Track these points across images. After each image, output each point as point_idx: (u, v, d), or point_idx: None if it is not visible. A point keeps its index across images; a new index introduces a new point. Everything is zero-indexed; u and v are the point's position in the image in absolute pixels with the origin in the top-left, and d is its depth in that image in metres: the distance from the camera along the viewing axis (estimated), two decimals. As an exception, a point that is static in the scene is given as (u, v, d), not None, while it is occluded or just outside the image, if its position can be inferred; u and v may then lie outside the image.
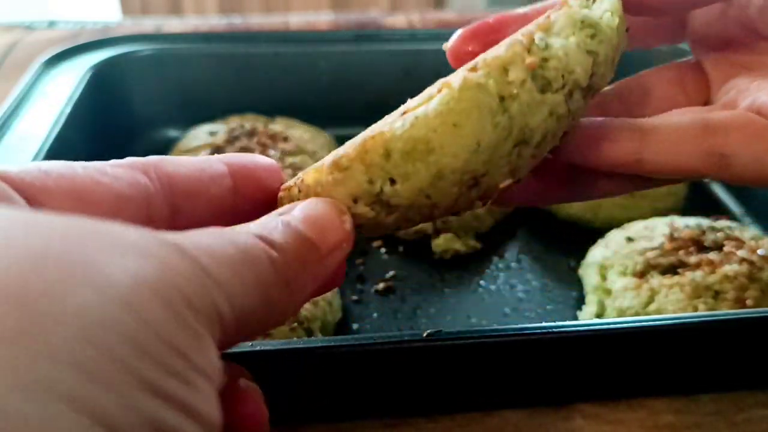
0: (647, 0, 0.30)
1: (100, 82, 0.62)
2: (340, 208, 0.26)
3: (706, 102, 0.35)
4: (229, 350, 0.27)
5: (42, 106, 0.55)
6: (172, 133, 0.67)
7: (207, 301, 0.19)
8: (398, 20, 0.94)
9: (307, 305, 0.44)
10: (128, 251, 0.17)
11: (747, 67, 0.33)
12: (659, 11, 0.31)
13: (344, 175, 0.26)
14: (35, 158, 0.49)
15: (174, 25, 0.91)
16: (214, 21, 1.00)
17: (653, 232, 0.49)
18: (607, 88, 0.34)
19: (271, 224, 0.24)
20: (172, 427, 0.16)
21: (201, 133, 0.64)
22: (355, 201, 0.26)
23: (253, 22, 0.93)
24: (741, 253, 0.45)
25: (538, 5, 0.33)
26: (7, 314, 0.14)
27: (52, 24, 0.89)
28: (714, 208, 0.61)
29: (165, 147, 0.64)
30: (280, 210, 0.25)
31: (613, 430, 0.40)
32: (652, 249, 0.47)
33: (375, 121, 0.29)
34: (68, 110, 0.55)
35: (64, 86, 0.58)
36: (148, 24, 0.93)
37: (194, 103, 0.67)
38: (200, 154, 0.61)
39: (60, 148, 0.52)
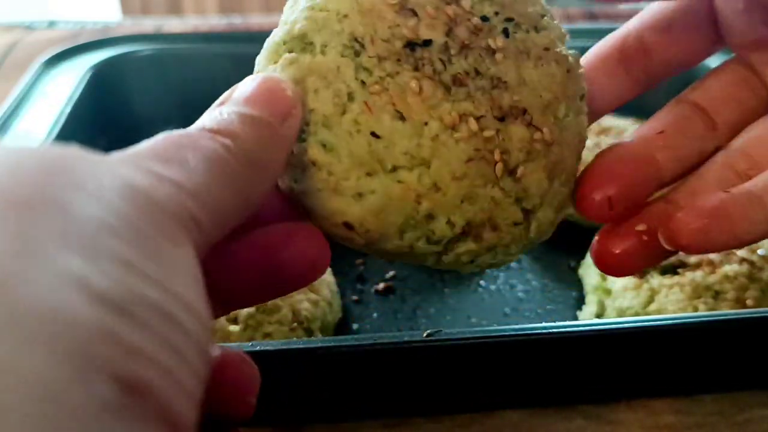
0: None
1: (100, 81, 0.62)
2: (275, 78, 0.26)
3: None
4: (229, 351, 0.27)
5: (42, 106, 0.55)
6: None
7: (179, 208, 0.19)
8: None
9: (307, 305, 0.44)
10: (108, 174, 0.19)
11: None
12: None
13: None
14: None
15: (174, 25, 0.91)
16: (214, 21, 1.00)
17: (653, 232, 0.49)
18: (673, 101, 0.35)
19: (215, 115, 0.24)
20: (155, 301, 0.17)
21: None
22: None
23: (253, 22, 0.93)
24: (741, 253, 0.45)
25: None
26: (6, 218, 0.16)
27: (52, 24, 0.89)
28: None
29: (165, 147, 0.64)
30: (218, 100, 0.26)
31: (614, 431, 0.40)
32: (653, 249, 0.47)
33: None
34: (68, 110, 0.55)
35: (64, 86, 0.58)
36: (148, 24, 0.93)
37: (194, 103, 0.67)
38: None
39: (60, 148, 0.52)
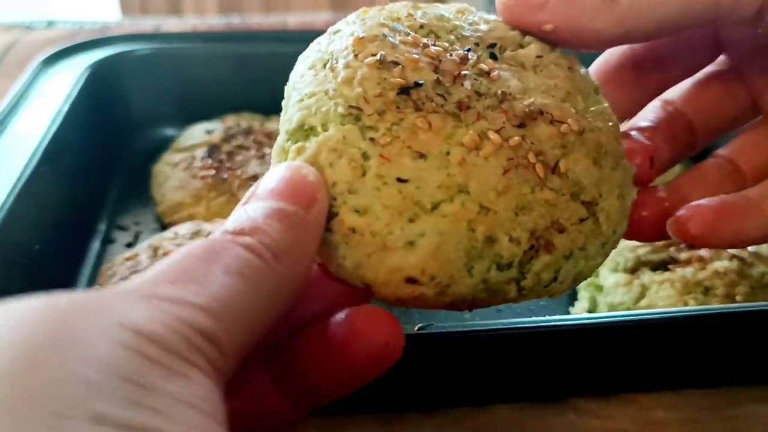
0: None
1: (97, 81, 0.62)
2: (296, 165, 0.26)
3: (753, 105, 0.35)
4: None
5: (40, 105, 0.56)
6: (169, 131, 0.67)
7: (191, 336, 0.19)
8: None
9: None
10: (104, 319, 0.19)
11: None
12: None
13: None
14: (32, 157, 0.49)
15: (172, 24, 0.92)
16: (213, 20, 1.00)
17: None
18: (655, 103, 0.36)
19: (239, 215, 0.24)
20: None
21: (197, 132, 0.64)
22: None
23: (251, 22, 0.94)
24: (731, 249, 0.45)
25: None
26: None
27: (51, 24, 0.90)
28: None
29: (162, 145, 0.65)
30: (243, 199, 0.25)
31: (605, 425, 0.41)
32: (644, 246, 0.47)
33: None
34: (66, 109, 0.56)
35: (62, 85, 0.59)
36: (146, 24, 0.93)
37: (191, 102, 0.68)
38: (196, 152, 0.61)
39: (57, 147, 0.52)
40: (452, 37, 0.31)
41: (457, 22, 0.32)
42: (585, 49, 0.32)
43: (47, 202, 0.50)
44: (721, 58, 0.36)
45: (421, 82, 0.28)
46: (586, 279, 0.30)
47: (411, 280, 0.26)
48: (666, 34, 0.32)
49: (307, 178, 0.25)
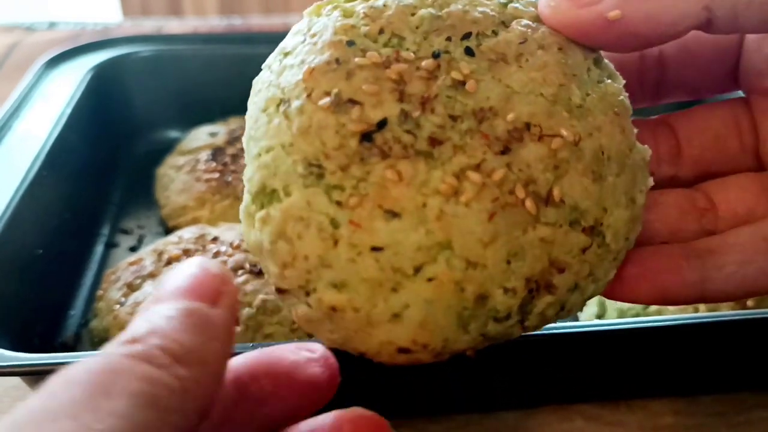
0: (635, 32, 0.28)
1: (100, 83, 0.62)
2: (197, 261, 0.23)
3: (757, 144, 0.33)
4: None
5: (42, 107, 0.55)
6: (173, 134, 0.67)
7: None
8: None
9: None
10: None
11: None
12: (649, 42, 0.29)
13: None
14: (35, 159, 0.49)
15: (174, 26, 0.91)
16: (214, 22, 1.00)
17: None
18: (655, 118, 0.33)
19: (135, 323, 0.21)
20: None
21: (201, 134, 0.64)
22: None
23: (252, 23, 0.94)
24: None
25: None
26: None
27: (52, 25, 0.89)
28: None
29: (165, 148, 0.64)
30: (142, 306, 0.22)
31: (613, 431, 0.40)
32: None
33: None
34: (68, 111, 0.55)
35: (65, 87, 0.58)
36: (148, 25, 0.93)
37: (194, 104, 0.67)
38: (200, 155, 0.61)
39: (60, 149, 0.52)
40: (419, 37, 0.27)
41: (423, 11, 0.27)
42: (657, 40, 0.28)
43: (50, 205, 0.50)
44: (737, 94, 0.34)
45: (385, 121, 0.25)
46: (597, 295, 0.28)
47: (404, 350, 0.25)
48: (754, 22, 0.27)
49: (209, 272, 0.22)
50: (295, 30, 0.29)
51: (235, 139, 0.62)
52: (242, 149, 0.61)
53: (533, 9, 0.29)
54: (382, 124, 0.25)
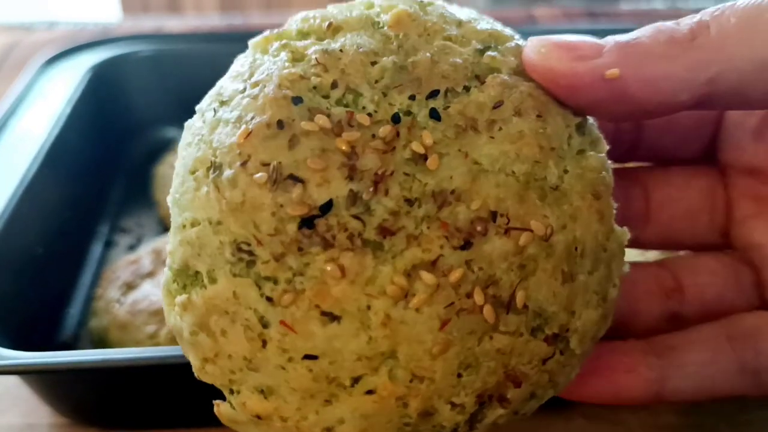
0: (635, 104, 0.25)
1: (99, 82, 0.62)
2: None
3: (726, 224, 0.31)
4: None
5: (41, 106, 0.55)
6: (172, 132, 0.67)
7: None
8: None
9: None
10: None
11: None
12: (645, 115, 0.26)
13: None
14: (34, 159, 0.49)
15: (174, 25, 0.91)
16: (214, 20, 1.00)
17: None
18: (633, 166, 0.32)
19: None
20: None
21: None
22: None
23: (253, 22, 0.93)
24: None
25: None
26: None
27: (52, 25, 0.89)
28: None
29: (164, 147, 0.64)
30: None
31: (615, 430, 0.40)
32: (652, 252, 0.47)
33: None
34: (68, 110, 0.55)
35: (64, 86, 0.58)
36: (148, 24, 0.93)
37: (194, 103, 0.67)
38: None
39: (59, 149, 0.52)
40: (378, 94, 0.23)
41: (385, 59, 0.24)
42: (654, 109, 0.24)
43: (49, 204, 0.50)
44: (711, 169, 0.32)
45: (330, 203, 0.21)
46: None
47: None
48: (757, 96, 0.24)
49: None
50: (236, 71, 0.25)
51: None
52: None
53: (513, 59, 0.25)
54: (326, 207, 0.21)
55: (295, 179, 0.21)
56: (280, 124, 0.22)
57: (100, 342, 0.45)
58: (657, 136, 0.31)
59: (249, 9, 1.72)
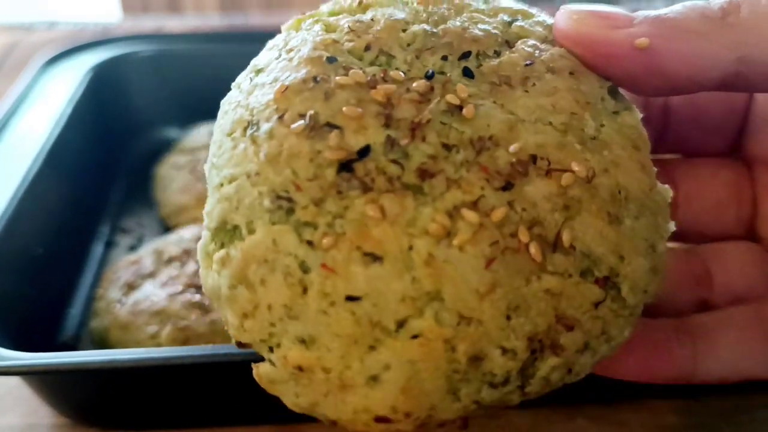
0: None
1: (100, 82, 0.62)
2: None
3: (753, 217, 0.31)
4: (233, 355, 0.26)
5: (42, 106, 0.55)
6: (172, 133, 0.67)
7: None
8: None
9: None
10: None
11: None
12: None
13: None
14: (35, 159, 0.48)
15: (174, 25, 0.91)
16: (214, 20, 1.00)
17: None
18: (659, 157, 0.31)
19: None
20: None
21: (201, 133, 0.64)
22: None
23: (253, 22, 0.93)
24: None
25: None
26: None
27: (52, 25, 0.89)
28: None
29: (165, 147, 0.64)
30: None
31: (616, 431, 0.40)
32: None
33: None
34: (68, 111, 0.55)
35: (64, 87, 0.58)
36: (148, 24, 0.93)
37: (194, 103, 0.67)
38: (200, 154, 0.61)
39: (60, 149, 0.52)
40: (410, 55, 0.24)
41: (416, 27, 0.24)
42: (683, 84, 0.25)
43: (50, 204, 0.50)
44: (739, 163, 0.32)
45: (367, 148, 0.21)
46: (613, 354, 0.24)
47: (382, 420, 0.21)
48: None
49: None
50: (270, 45, 0.26)
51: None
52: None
53: (541, 29, 0.25)
54: (364, 152, 0.21)
55: (332, 126, 0.21)
56: (315, 79, 0.22)
57: (101, 342, 0.45)
58: (684, 128, 0.31)
59: (249, 9, 1.72)
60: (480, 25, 0.25)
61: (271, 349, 0.22)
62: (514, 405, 0.23)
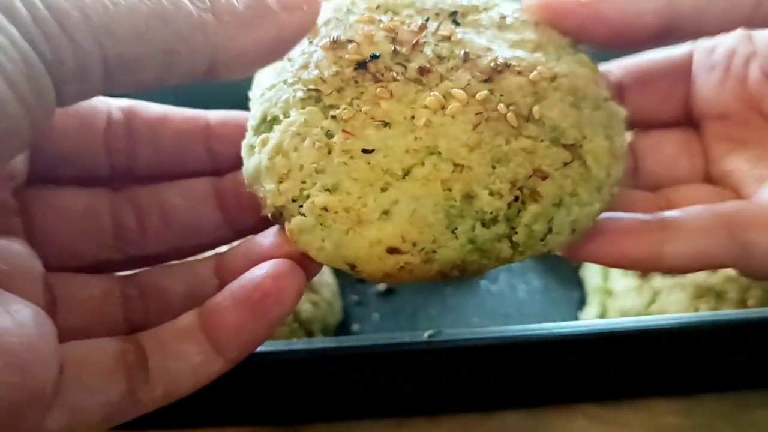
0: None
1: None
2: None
3: (705, 165, 0.36)
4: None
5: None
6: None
7: None
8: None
9: (307, 306, 0.44)
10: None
11: (742, 141, 0.35)
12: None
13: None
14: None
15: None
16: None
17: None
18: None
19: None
20: None
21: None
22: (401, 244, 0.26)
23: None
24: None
25: None
26: None
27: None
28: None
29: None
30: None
31: (616, 431, 0.40)
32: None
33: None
34: (69, 111, 0.55)
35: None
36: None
37: (194, 102, 0.67)
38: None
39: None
40: (411, 12, 0.31)
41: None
42: (626, 35, 0.30)
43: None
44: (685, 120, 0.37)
45: (377, 54, 0.28)
46: (586, 228, 0.28)
47: (393, 251, 0.26)
48: (714, 20, 0.30)
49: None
50: None
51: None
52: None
53: (513, 5, 0.32)
54: (375, 56, 0.28)
55: (350, 41, 0.28)
56: (338, 19, 0.30)
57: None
58: (637, 102, 0.36)
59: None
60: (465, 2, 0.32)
61: (301, 206, 0.26)
62: (506, 259, 0.27)
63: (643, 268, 0.30)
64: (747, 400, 0.41)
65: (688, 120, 0.37)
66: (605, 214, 0.30)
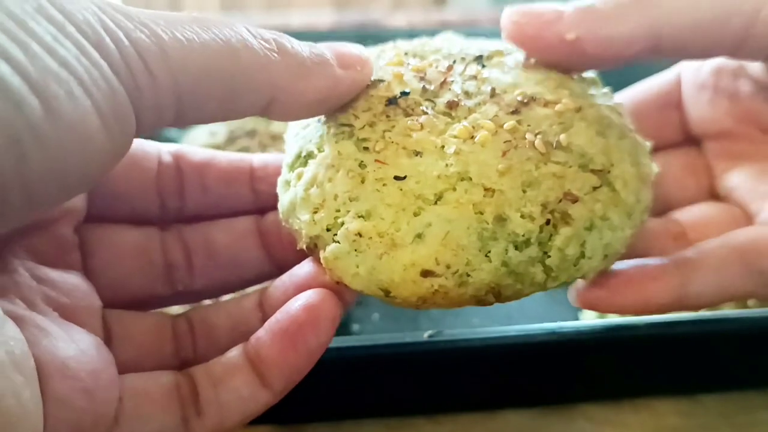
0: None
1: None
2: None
3: (710, 183, 0.36)
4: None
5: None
6: (172, 133, 0.67)
7: None
8: (399, 21, 0.94)
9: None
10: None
11: (743, 157, 0.35)
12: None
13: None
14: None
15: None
16: (214, 21, 1.00)
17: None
18: None
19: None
20: None
21: (201, 134, 0.63)
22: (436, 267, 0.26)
23: (254, 22, 0.93)
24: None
25: None
26: None
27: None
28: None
29: (165, 147, 0.64)
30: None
31: (616, 432, 0.40)
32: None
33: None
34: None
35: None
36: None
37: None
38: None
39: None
40: (438, 57, 0.32)
41: (442, 45, 0.33)
42: (610, 61, 0.30)
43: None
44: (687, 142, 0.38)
45: (407, 90, 0.29)
46: (617, 254, 0.29)
47: (427, 273, 0.26)
48: (697, 50, 0.30)
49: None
50: None
51: (235, 138, 0.62)
52: (242, 149, 0.61)
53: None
54: (405, 93, 0.29)
55: (381, 81, 0.30)
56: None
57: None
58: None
59: (249, 9, 1.72)
60: (489, 46, 0.33)
61: (335, 235, 0.27)
62: (540, 284, 0.27)
63: (668, 311, 0.31)
64: (748, 400, 0.41)
65: (689, 139, 0.37)
66: (618, 263, 0.30)
